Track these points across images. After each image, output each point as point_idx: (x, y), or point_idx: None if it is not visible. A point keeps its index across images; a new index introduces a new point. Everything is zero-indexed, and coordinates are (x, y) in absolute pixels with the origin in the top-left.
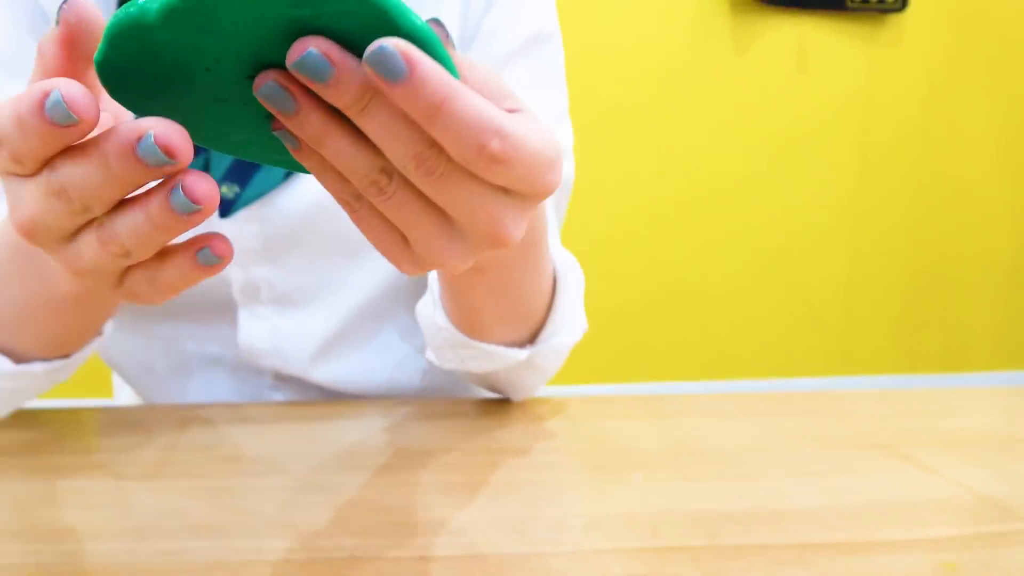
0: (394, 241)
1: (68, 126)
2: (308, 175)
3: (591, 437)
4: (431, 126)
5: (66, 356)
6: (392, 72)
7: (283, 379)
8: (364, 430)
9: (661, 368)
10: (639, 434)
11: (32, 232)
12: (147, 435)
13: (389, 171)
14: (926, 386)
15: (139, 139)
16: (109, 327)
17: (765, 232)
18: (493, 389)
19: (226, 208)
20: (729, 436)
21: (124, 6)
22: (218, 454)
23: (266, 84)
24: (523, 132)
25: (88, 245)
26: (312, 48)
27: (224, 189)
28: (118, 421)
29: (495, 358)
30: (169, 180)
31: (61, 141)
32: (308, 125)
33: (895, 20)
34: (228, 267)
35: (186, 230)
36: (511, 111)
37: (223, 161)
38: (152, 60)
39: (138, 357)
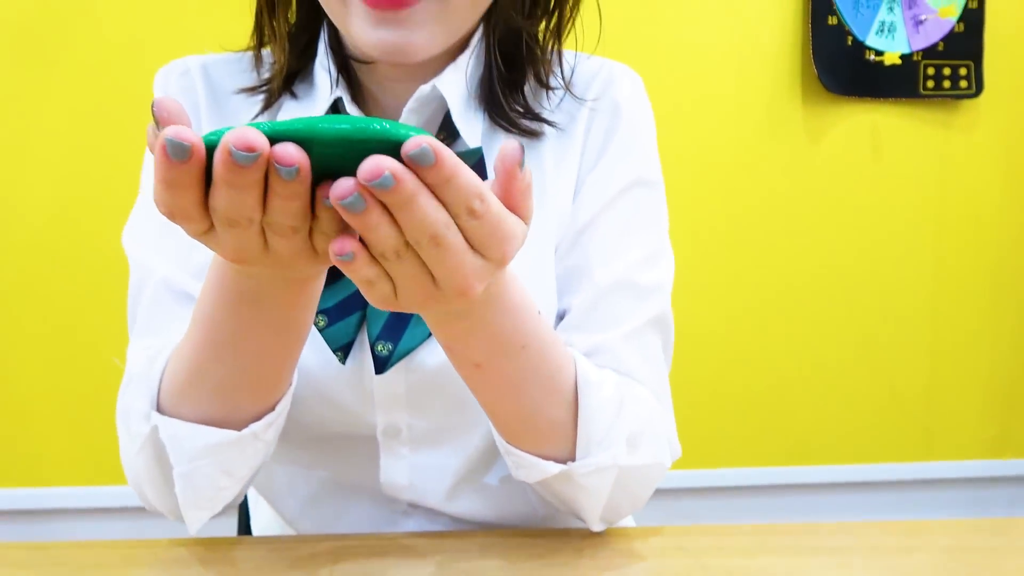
0: (386, 290)
1: (185, 159)
2: None
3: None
4: (443, 191)
5: (271, 409)
6: (424, 157)
7: (417, 507)
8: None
9: (742, 454)
10: None
11: (240, 256)
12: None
13: (408, 244)
14: (1013, 473)
15: (232, 152)
16: (295, 379)
17: (845, 318)
18: (569, 511)
19: (381, 365)
20: None
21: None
22: None
23: (353, 196)
24: (494, 201)
25: (274, 242)
26: (386, 171)
27: (379, 347)
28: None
29: (533, 469)
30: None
31: (192, 175)
32: (368, 217)
33: (969, 105)
34: (373, 410)
35: (300, 190)
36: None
37: (378, 323)
38: None
39: (281, 481)
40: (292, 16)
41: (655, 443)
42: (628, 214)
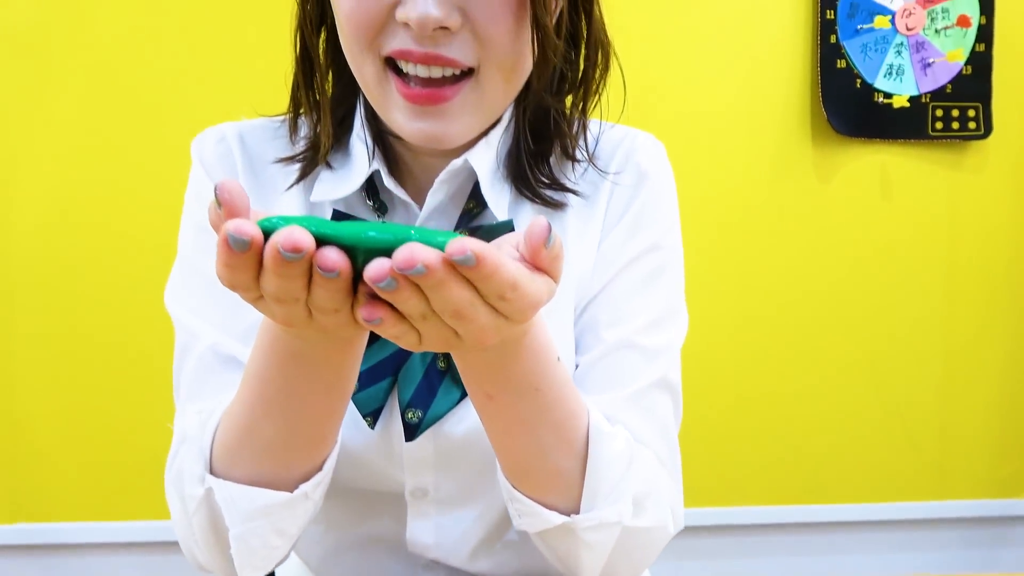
0: (412, 340)
1: (244, 251)
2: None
3: None
4: (479, 284)
5: (319, 468)
6: (467, 262)
7: (439, 564)
8: None
9: (754, 492)
10: None
11: (288, 323)
12: None
13: (433, 311)
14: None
15: (280, 251)
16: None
17: (858, 356)
18: (566, 570)
19: (411, 432)
20: None
21: (283, 218)
22: None
23: (387, 280)
24: (525, 283)
25: (317, 315)
26: (419, 263)
27: (409, 414)
28: None
29: (536, 517)
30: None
31: (250, 261)
32: (399, 294)
33: (978, 147)
34: (401, 472)
35: (340, 284)
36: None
37: (408, 390)
38: None
39: (307, 530)
40: (328, 87)
41: (660, 507)
42: (641, 277)
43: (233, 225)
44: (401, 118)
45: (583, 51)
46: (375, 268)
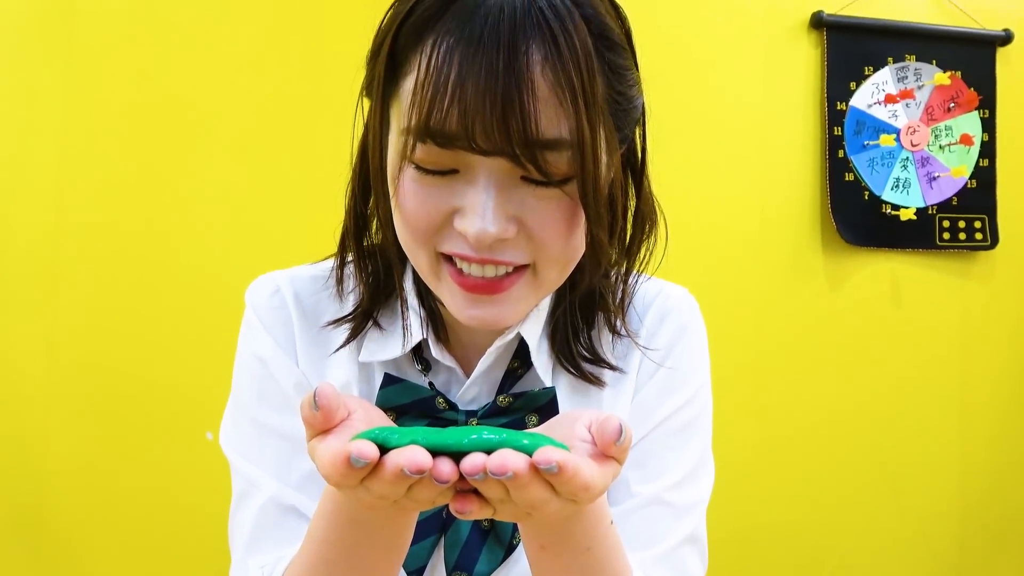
0: (487, 514)
1: (361, 468)
2: (517, 559)
3: None
4: (559, 485)
5: None
6: (551, 471)
7: None
8: None
9: None
10: None
11: (375, 508)
12: None
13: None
14: None
15: (402, 469)
16: None
17: (871, 464)
18: None
19: None
20: None
21: (383, 430)
22: None
23: (479, 473)
24: (596, 482)
25: (405, 503)
26: (510, 471)
27: None
28: None
29: None
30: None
31: (363, 473)
32: (485, 484)
33: (986, 256)
34: None
35: (439, 489)
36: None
37: (454, 552)
38: None
39: None
40: (377, 258)
41: None
42: (672, 433)
43: (357, 449)
44: (455, 303)
45: (630, 219)
46: (471, 463)
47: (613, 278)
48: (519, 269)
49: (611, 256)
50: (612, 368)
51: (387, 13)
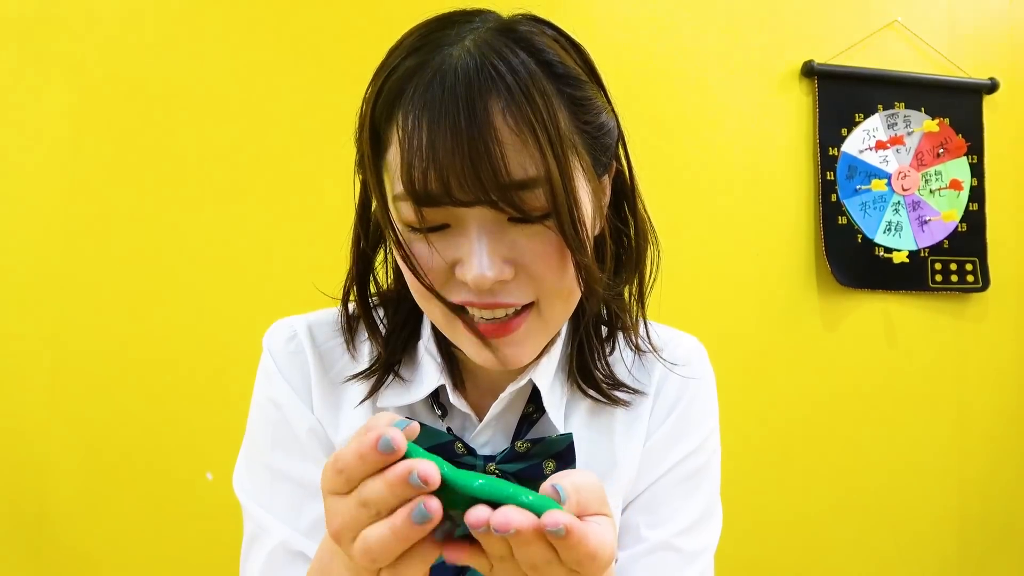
0: (484, 567)
1: (387, 453)
2: None
3: None
4: (563, 551)
5: None
6: (558, 534)
7: None
8: None
9: None
10: None
11: (339, 536)
12: None
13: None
14: None
15: (410, 472)
16: None
17: (866, 503)
18: None
19: None
20: None
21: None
22: None
23: (483, 527)
24: (603, 551)
25: (376, 542)
26: (513, 528)
27: None
28: None
29: None
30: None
31: (380, 464)
32: (487, 538)
33: (978, 298)
34: None
35: (419, 535)
36: (596, 514)
37: None
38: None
39: None
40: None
41: None
42: (683, 479)
43: (392, 433)
44: (471, 348)
45: (633, 243)
46: (476, 515)
47: (628, 298)
48: (525, 308)
49: (603, 280)
50: (632, 390)
51: (366, 91)
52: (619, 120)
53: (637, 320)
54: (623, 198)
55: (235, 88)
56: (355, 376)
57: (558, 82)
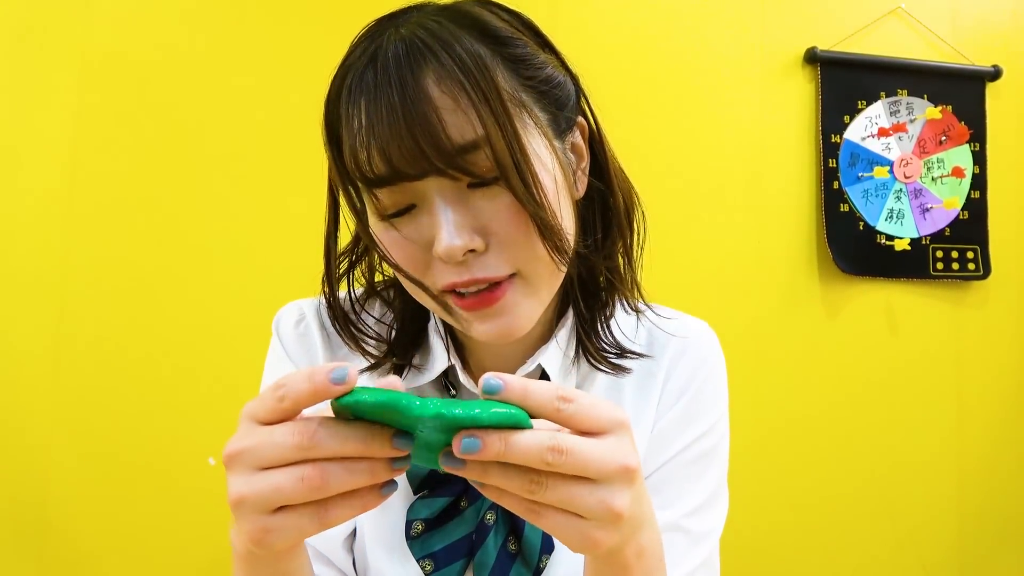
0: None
1: (339, 384)
2: None
3: None
4: (507, 456)
5: None
6: (471, 449)
7: None
8: None
9: None
10: None
11: (235, 458)
12: None
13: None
14: None
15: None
16: None
17: (867, 491)
18: None
19: None
20: None
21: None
22: None
23: (450, 459)
24: (579, 443)
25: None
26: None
27: None
28: None
29: None
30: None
31: (325, 395)
32: (471, 469)
33: (979, 285)
34: None
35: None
36: (599, 432)
37: (483, 574)
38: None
39: None
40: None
41: None
42: (691, 461)
43: (350, 368)
44: (465, 323)
45: (612, 202)
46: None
47: (621, 261)
48: (508, 277)
49: (571, 240)
50: (638, 355)
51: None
52: (576, 77)
53: (632, 285)
54: (599, 158)
55: (237, 85)
56: (371, 368)
57: (492, 43)
